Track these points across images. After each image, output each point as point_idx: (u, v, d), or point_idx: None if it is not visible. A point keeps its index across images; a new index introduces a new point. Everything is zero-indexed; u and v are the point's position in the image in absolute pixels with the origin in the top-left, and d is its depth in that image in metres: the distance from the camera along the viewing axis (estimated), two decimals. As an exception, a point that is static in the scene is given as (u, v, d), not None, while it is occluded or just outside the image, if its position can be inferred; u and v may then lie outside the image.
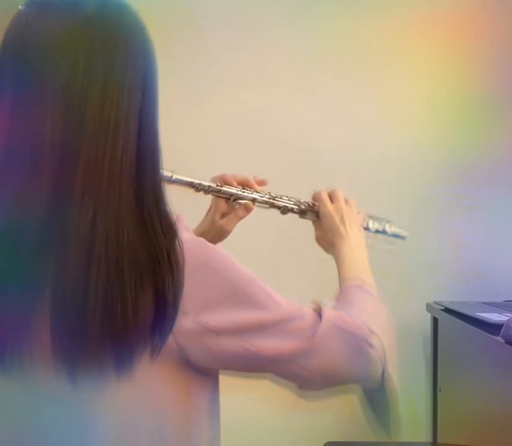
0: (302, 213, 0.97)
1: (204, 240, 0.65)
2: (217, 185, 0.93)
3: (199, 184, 0.90)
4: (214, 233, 0.94)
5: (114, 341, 0.56)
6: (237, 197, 0.94)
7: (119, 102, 0.59)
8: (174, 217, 0.63)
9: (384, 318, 0.75)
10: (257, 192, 0.96)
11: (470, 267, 1.72)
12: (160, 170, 0.64)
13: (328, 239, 0.93)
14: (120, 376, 0.57)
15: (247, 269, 0.65)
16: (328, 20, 1.74)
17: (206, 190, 0.92)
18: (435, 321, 1.60)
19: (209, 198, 0.96)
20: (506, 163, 1.73)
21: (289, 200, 0.97)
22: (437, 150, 1.74)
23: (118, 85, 0.60)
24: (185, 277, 0.60)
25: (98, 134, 0.58)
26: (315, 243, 0.97)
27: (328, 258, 0.93)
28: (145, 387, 0.60)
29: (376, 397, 0.72)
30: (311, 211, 0.97)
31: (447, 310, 1.47)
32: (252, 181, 0.96)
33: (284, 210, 0.97)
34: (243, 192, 0.94)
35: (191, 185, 0.90)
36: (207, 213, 0.97)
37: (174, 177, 0.87)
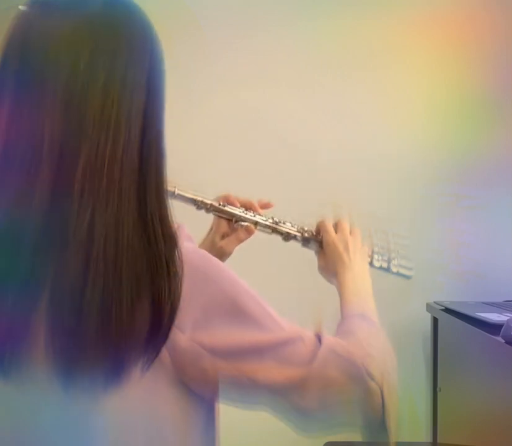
0: (304, 241, 0.94)
1: (205, 251, 0.64)
2: (220, 204, 0.90)
3: (202, 201, 0.88)
4: (213, 254, 0.91)
5: (109, 344, 0.55)
6: (239, 219, 0.91)
7: (121, 102, 0.59)
8: (176, 226, 0.62)
9: (386, 350, 0.71)
10: (260, 215, 0.93)
11: (470, 267, 1.72)
12: (165, 173, 0.62)
13: (331, 268, 0.90)
14: (113, 380, 0.57)
15: (249, 286, 0.63)
16: (328, 20, 1.74)
17: (208, 208, 0.90)
18: (435, 321, 1.60)
19: (210, 215, 0.94)
20: (506, 163, 1.73)
21: (292, 226, 0.94)
22: (437, 150, 1.74)
23: (120, 85, 0.59)
24: (183, 289, 0.58)
25: (98, 134, 0.57)
26: (317, 272, 0.94)
27: (330, 287, 0.90)
28: (139, 392, 0.59)
29: (376, 436, 0.68)
30: (314, 240, 0.94)
31: (447, 310, 1.47)
32: (256, 205, 0.94)
33: (287, 237, 0.94)
34: (246, 214, 0.92)
35: (193, 202, 0.88)
36: (208, 233, 0.95)
37: (177, 192, 0.85)
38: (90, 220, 0.56)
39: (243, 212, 0.92)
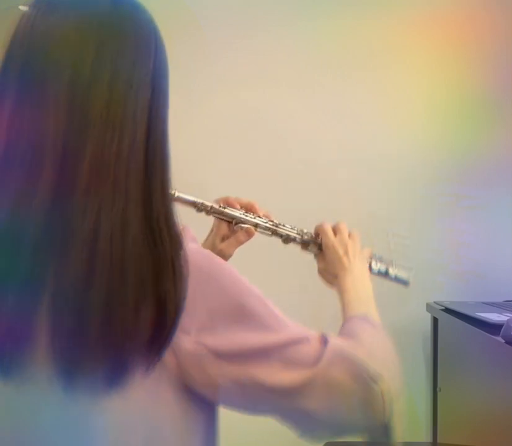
0: (304, 244, 0.95)
1: (210, 252, 0.63)
2: (220, 206, 0.91)
3: (202, 204, 0.89)
4: None
5: (112, 344, 0.55)
6: (239, 221, 0.92)
7: (126, 101, 0.59)
8: (181, 227, 0.61)
9: (389, 352, 0.71)
10: (260, 217, 0.93)
11: (470, 267, 1.72)
12: (170, 173, 0.62)
13: (330, 271, 0.90)
14: (116, 381, 0.56)
15: (254, 286, 0.63)
16: (328, 20, 1.74)
17: (208, 211, 0.90)
18: (435, 321, 1.60)
19: (211, 217, 0.94)
20: (506, 163, 1.73)
21: (292, 229, 0.95)
22: (437, 150, 1.74)
23: (125, 84, 0.59)
24: (188, 290, 0.58)
25: (104, 133, 0.57)
26: (316, 275, 0.94)
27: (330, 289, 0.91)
28: (141, 393, 0.59)
29: (379, 439, 0.67)
30: (313, 243, 0.94)
31: (447, 310, 1.47)
32: (256, 206, 0.94)
33: (287, 239, 0.94)
34: (246, 216, 0.92)
35: (193, 204, 0.88)
36: (208, 236, 0.95)
37: (176, 195, 0.85)
38: (96, 219, 0.55)
39: (243, 214, 0.92)
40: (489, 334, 1.12)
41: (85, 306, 0.55)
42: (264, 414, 0.64)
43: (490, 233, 1.72)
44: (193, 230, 0.67)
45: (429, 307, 1.62)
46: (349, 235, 0.93)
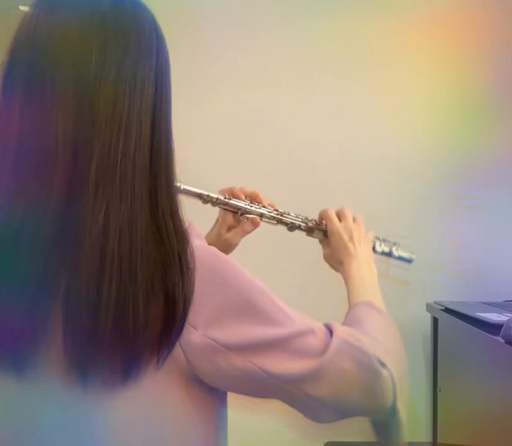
0: (309, 231, 0.96)
1: (215, 248, 0.64)
2: (225, 198, 0.92)
3: (207, 195, 0.90)
4: (219, 246, 0.91)
5: (125, 340, 0.55)
6: (245, 212, 0.93)
7: (131, 99, 0.59)
8: (186, 224, 0.62)
9: (394, 338, 0.72)
10: (265, 207, 0.95)
11: (470, 267, 1.72)
12: (175, 170, 0.63)
13: (336, 257, 0.92)
14: (126, 380, 0.57)
15: (258, 280, 0.63)
16: (328, 20, 1.74)
17: (214, 202, 0.91)
18: (435, 321, 1.60)
19: (216, 209, 0.95)
20: (506, 163, 1.73)
21: (297, 217, 0.97)
22: (437, 150, 1.74)
23: (130, 82, 0.59)
24: (195, 286, 0.59)
25: (110, 131, 0.58)
26: (322, 260, 0.95)
27: (335, 275, 0.91)
28: (149, 393, 0.59)
29: (385, 431, 0.70)
30: (318, 229, 0.95)
31: (447, 310, 1.47)
32: (261, 196, 0.95)
33: (292, 227, 0.96)
34: (251, 206, 0.94)
35: (199, 196, 0.90)
36: (214, 226, 0.96)
37: (182, 187, 0.86)
38: (104, 217, 0.56)
39: (248, 204, 0.94)
40: (489, 334, 1.13)
41: (98, 303, 0.55)
42: (272, 398, 0.65)
43: (490, 233, 1.72)
44: (199, 221, 0.67)
45: (429, 307, 1.62)
46: (354, 220, 0.94)
